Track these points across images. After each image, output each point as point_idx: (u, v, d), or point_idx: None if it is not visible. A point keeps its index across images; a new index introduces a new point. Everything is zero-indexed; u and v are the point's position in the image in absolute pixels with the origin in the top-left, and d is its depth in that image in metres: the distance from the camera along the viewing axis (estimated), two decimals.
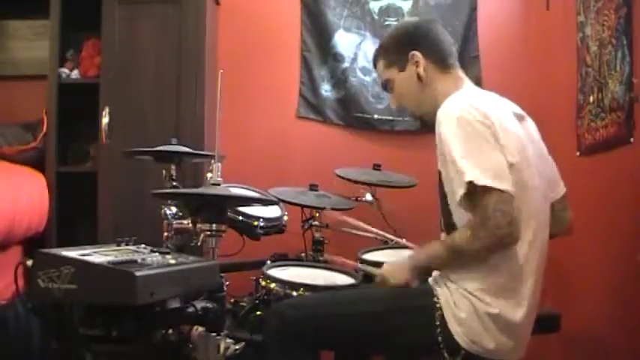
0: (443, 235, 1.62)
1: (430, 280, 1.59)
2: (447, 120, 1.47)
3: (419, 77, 1.65)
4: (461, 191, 1.41)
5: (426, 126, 1.72)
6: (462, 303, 1.46)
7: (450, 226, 1.55)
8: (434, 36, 1.68)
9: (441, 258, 1.51)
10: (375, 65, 1.77)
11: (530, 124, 1.65)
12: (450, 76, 1.66)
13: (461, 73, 1.69)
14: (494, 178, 1.39)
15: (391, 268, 1.62)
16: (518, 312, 1.46)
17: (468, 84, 1.66)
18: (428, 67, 1.65)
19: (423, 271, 1.58)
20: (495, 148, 1.43)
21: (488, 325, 1.44)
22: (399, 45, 1.70)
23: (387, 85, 1.75)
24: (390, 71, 1.71)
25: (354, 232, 2.45)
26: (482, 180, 1.38)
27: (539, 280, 1.52)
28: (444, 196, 1.56)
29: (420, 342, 1.50)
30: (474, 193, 1.40)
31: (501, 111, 1.53)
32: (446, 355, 1.47)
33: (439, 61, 1.66)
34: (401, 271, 1.58)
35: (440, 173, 1.57)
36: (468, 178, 1.39)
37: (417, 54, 1.65)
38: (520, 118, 1.60)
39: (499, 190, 1.38)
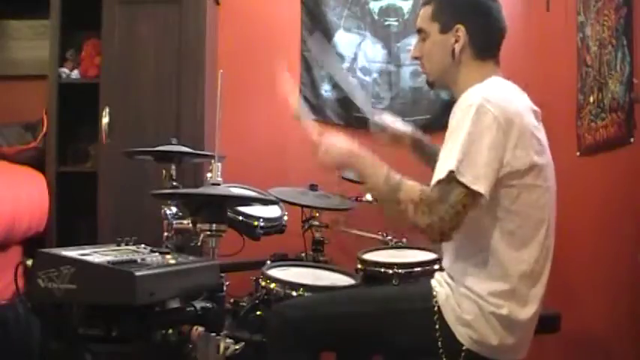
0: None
1: (432, 281, 1.58)
2: (466, 108, 1.41)
3: (453, 52, 1.57)
4: (441, 175, 1.37)
5: (431, 87, 1.72)
6: (466, 304, 1.45)
7: None
8: (491, 20, 1.58)
9: (380, 192, 1.48)
10: (422, 6, 1.65)
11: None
12: (482, 66, 1.58)
13: (496, 65, 1.61)
14: (474, 177, 1.36)
15: (335, 141, 1.63)
16: (525, 311, 1.45)
17: (495, 77, 1.57)
18: (466, 48, 1.57)
19: (355, 173, 1.56)
20: (497, 149, 1.38)
21: (495, 325, 1.43)
22: (454, 7, 1.59)
23: (420, 33, 1.64)
24: (431, 24, 1.60)
25: (354, 232, 2.46)
26: (460, 175, 1.35)
27: (545, 281, 1.51)
28: None
29: (419, 344, 1.49)
30: (448, 178, 1.36)
31: (524, 110, 1.48)
32: (445, 358, 1.46)
33: (480, 48, 1.58)
34: (338, 151, 1.60)
35: None
36: (449, 167, 1.36)
37: (463, 30, 1.56)
38: (537, 116, 1.54)
39: (471, 189, 1.35)
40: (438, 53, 1.60)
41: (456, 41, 1.57)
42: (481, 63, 1.58)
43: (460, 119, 1.41)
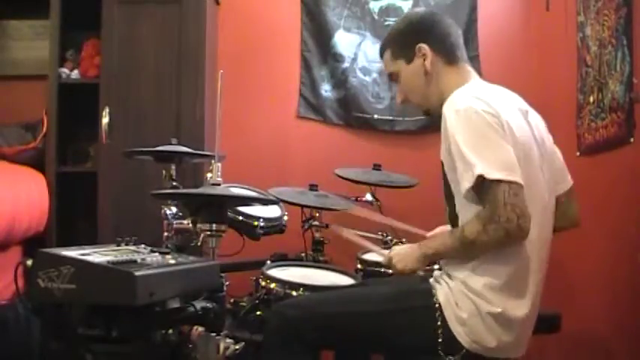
0: (448, 228, 1.62)
1: (431, 279, 1.59)
2: (453, 113, 1.45)
3: (426, 71, 1.63)
4: (467, 184, 1.40)
5: (432, 119, 1.72)
6: (464, 303, 1.46)
7: (453, 216, 1.55)
8: (441, 28, 1.65)
9: (452, 249, 1.49)
10: (381, 56, 1.74)
11: (535, 116, 1.62)
12: (456, 70, 1.64)
13: (468, 66, 1.67)
14: (504, 169, 1.37)
15: (401, 253, 1.60)
16: (521, 309, 1.45)
17: (474, 78, 1.64)
18: (435, 60, 1.62)
19: (432, 260, 1.59)
20: (503, 138, 1.42)
21: (491, 325, 1.44)
22: (405, 37, 1.66)
23: (392, 78, 1.72)
24: (396, 63, 1.68)
25: (354, 232, 2.45)
26: (492, 173, 1.36)
27: (541, 277, 1.52)
28: (447, 186, 1.56)
29: (419, 342, 1.50)
30: (483, 185, 1.38)
31: (506, 105, 1.51)
32: (445, 356, 1.46)
33: (446, 54, 1.63)
34: (410, 258, 1.57)
35: (443, 163, 1.56)
36: (478, 172, 1.37)
37: (424, 46, 1.62)
38: (524, 114, 1.57)
39: (508, 181, 1.36)
40: (415, 80, 1.66)
41: (424, 59, 1.63)
42: (455, 68, 1.64)
43: (454, 131, 1.44)
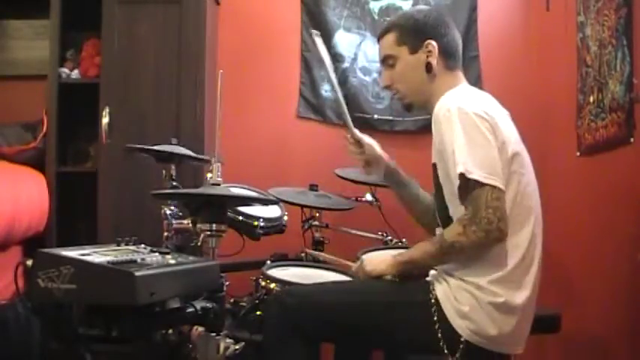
0: (439, 230, 1.62)
1: (429, 276, 1.59)
2: (447, 113, 1.48)
3: (428, 67, 1.63)
4: (456, 182, 1.44)
5: (408, 110, 1.75)
6: (463, 296, 1.47)
7: (446, 219, 1.56)
8: (450, 32, 1.67)
9: (429, 254, 1.51)
10: (381, 37, 1.72)
11: None
12: (452, 75, 1.66)
13: (461, 73, 1.70)
14: (487, 173, 1.41)
15: (373, 258, 1.63)
16: (521, 295, 1.47)
17: (465, 84, 1.68)
18: (438, 61, 1.64)
19: (406, 270, 1.57)
20: (491, 143, 1.45)
21: (492, 313, 1.45)
22: (418, 27, 1.66)
23: (387, 61, 1.70)
24: (398, 48, 1.67)
25: (354, 232, 2.46)
26: (474, 174, 1.40)
27: (539, 264, 1.54)
28: (439, 189, 1.58)
29: (418, 337, 1.51)
30: (466, 186, 1.42)
31: (496, 108, 1.56)
32: (446, 350, 1.47)
33: (448, 58, 1.65)
34: (381, 263, 1.59)
35: (434, 166, 1.59)
36: (459, 170, 1.41)
37: (434, 44, 1.63)
38: (508, 116, 1.62)
39: (491, 185, 1.40)
40: (413, 72, 1.66)
41: (429, 55, 1.63)
42: (451, 72, 1.66)
43: (447, 127, 1.47)
